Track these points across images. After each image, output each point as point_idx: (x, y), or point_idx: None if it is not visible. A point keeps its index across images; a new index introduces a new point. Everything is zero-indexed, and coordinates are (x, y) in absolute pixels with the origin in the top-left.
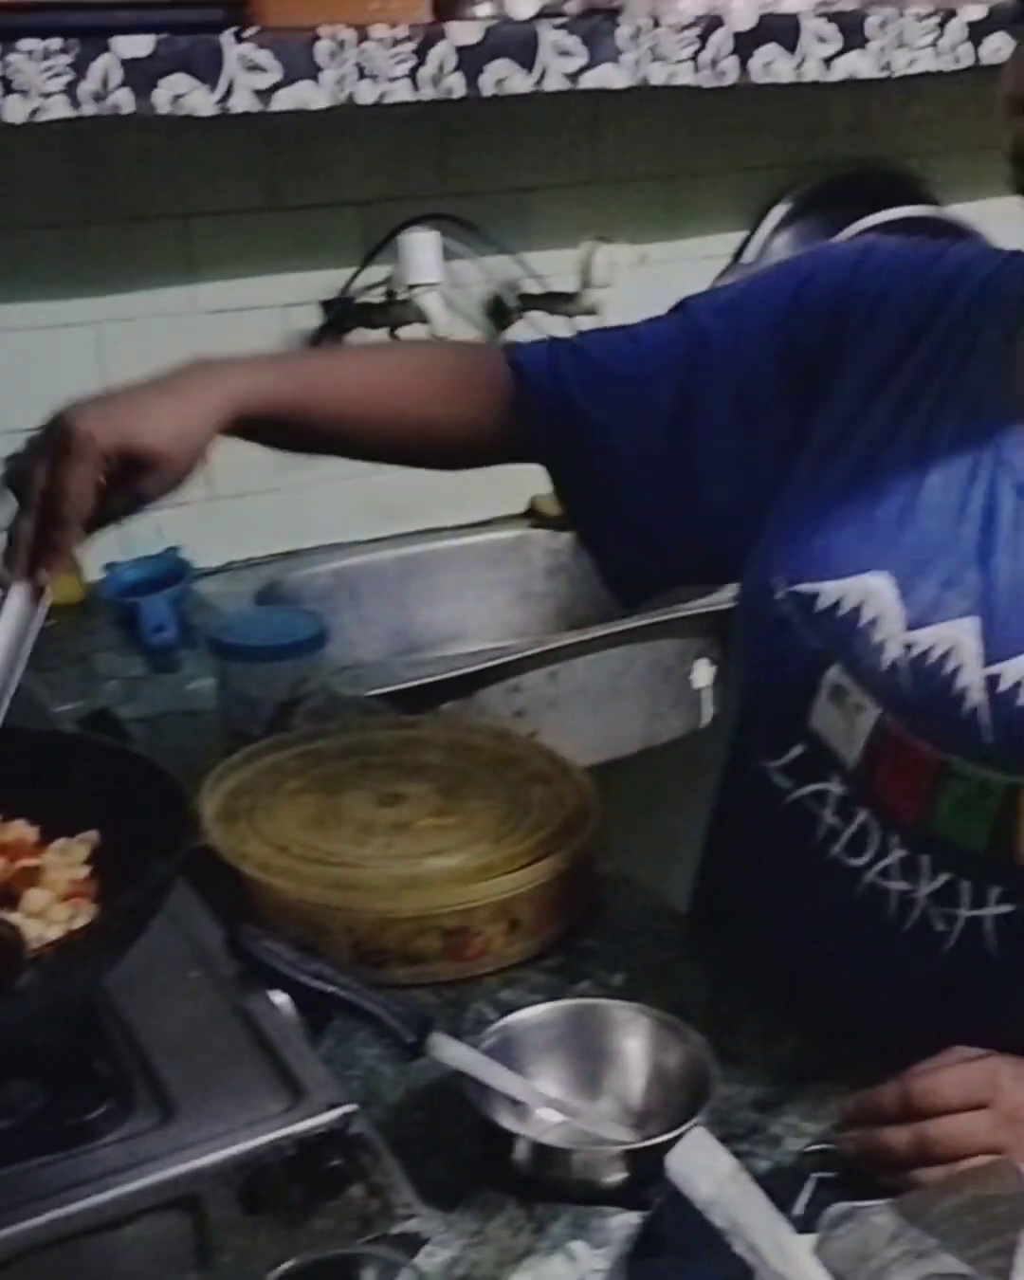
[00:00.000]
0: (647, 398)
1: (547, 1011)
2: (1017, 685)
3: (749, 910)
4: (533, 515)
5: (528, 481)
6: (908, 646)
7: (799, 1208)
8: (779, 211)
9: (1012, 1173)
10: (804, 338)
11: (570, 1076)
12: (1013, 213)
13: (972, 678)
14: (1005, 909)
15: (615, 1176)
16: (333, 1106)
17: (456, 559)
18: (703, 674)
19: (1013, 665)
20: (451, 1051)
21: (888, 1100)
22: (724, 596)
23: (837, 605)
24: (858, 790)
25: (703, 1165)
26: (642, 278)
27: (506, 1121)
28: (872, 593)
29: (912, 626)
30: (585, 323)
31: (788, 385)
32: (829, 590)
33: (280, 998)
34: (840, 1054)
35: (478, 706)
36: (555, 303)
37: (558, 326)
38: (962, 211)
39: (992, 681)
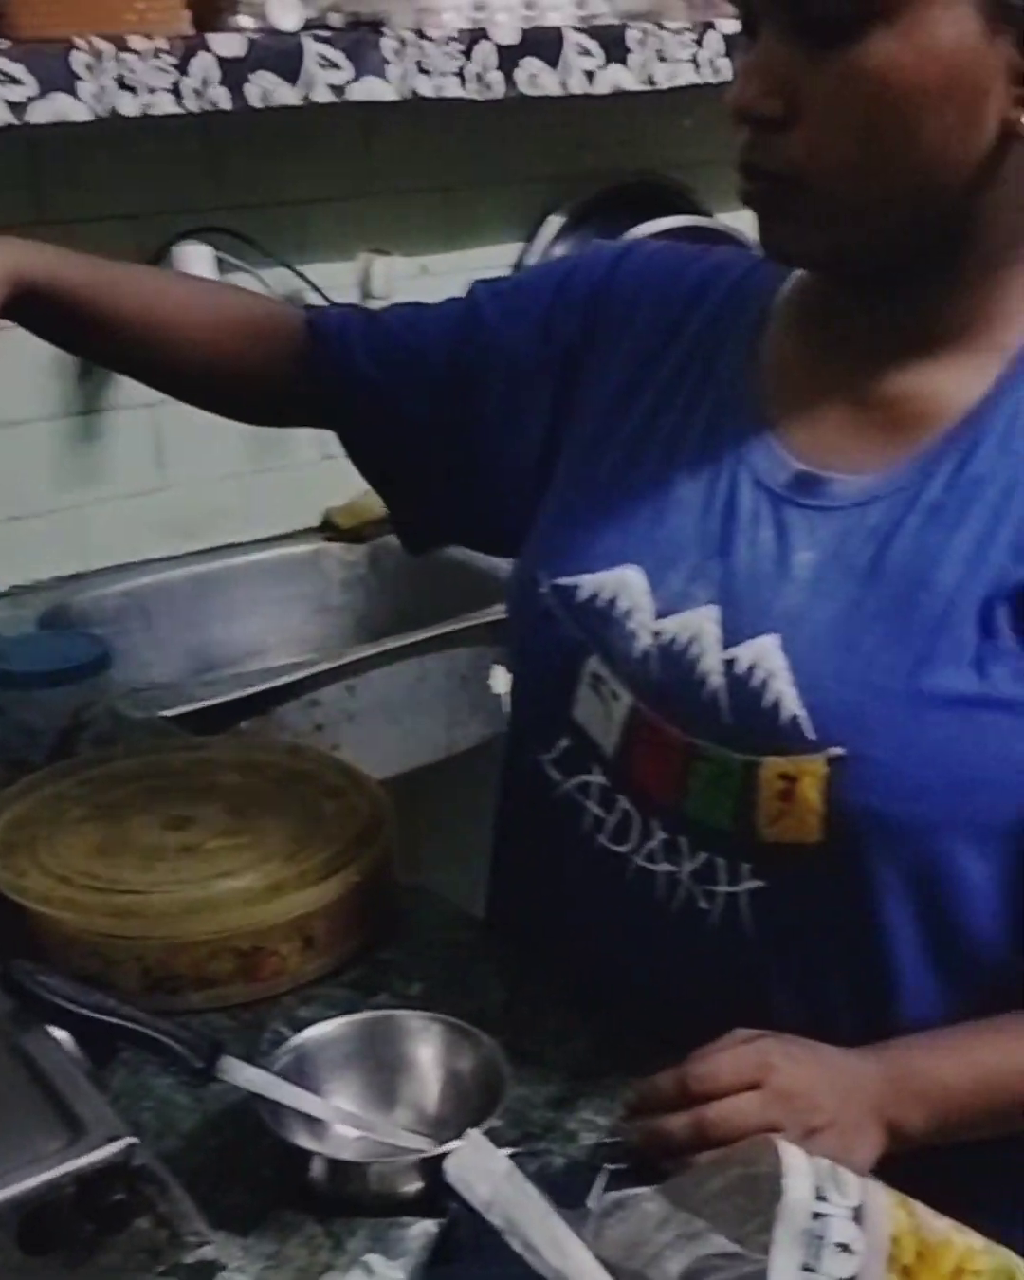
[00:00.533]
0: (423, 363)
1: (340, 1026)
2: (750, 668)
3: (537, 908)
4: (327, 529)
5: (321, 494)
6: (657, 635)
7: (593, 1200)
8: (555, 223)
9: (770, 1149)
10: (563, 328)
11: (366, 1090)
12: None
13: (712, 662)
14: (756, 884)
15: (412, 1186)
16: (112, 1140)
17: (251, 575)
18: (500, 680)
19: (746, 649)
20: (243, 1074)
21: (667, 1087)
22: None
23: (595, 597)
24: (617, 778)
25: (480, 1168)
26: (423, 289)
27: (302, 1140)
28: (626, 585)
29: (660, 615)
30: None
31: (549, 370)
32: (588, 583)
33: (59, 1033)
34: (632, 1046)
35: (276, 723)
36: None
37: None
38: (731, 221)
39: (729, 665)
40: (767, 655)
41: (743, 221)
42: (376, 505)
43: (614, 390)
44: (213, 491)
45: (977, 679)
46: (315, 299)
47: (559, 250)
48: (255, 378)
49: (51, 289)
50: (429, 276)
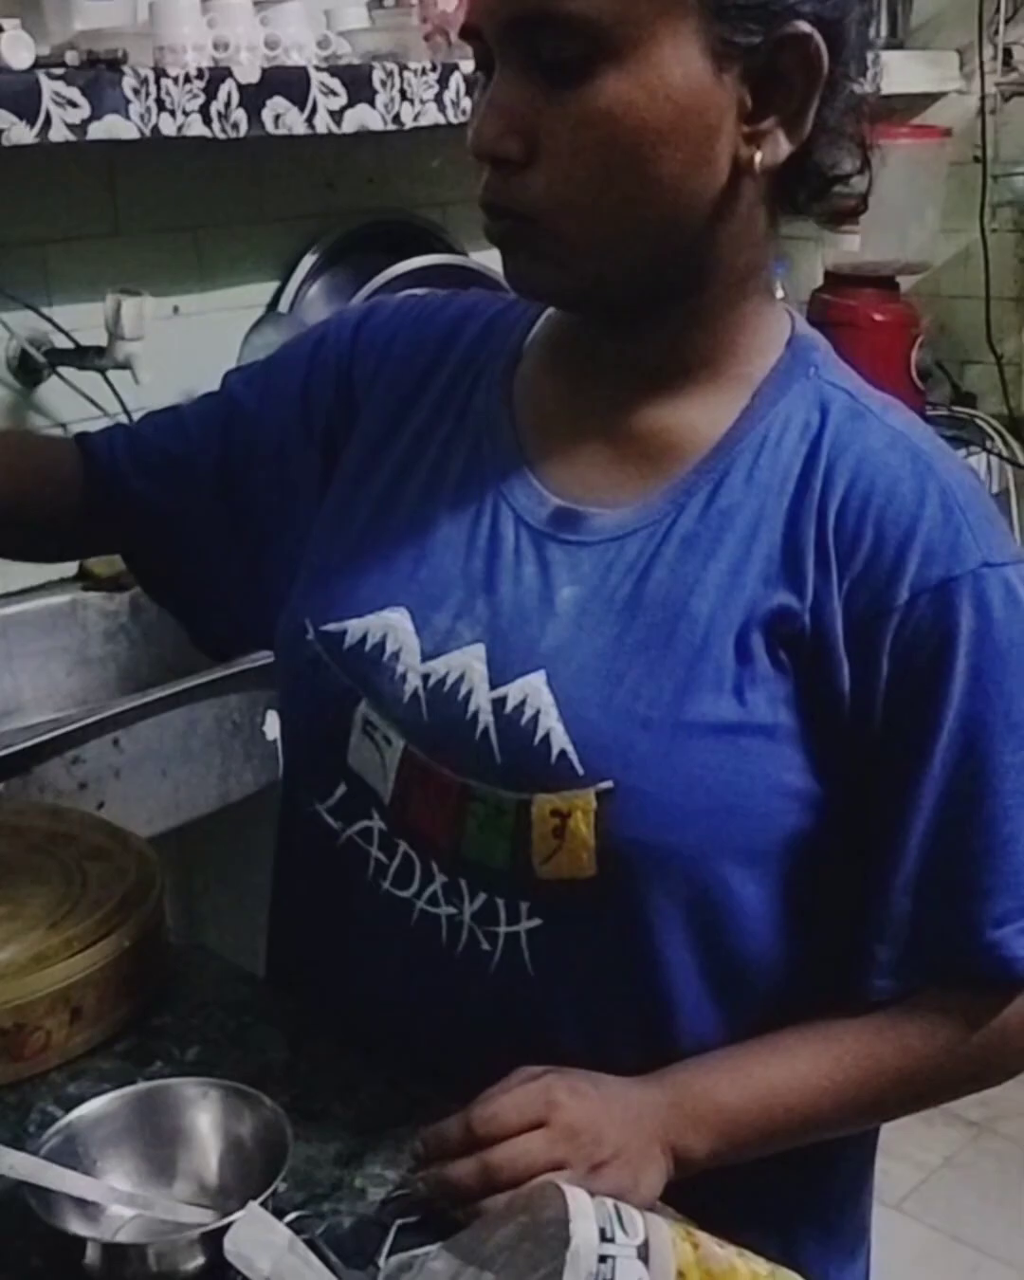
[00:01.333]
0: (191, 471)
1: (112, 1101)
2: (519, 706)
3: (320, 959)
4: (85, 578)
5: None
6: (425, 677)
7: (383, 1258)
8: (308, 262)
9: (555, 1194)
10: (320, 398)
11: (143, 1165)
12: None
13: (481, 702)
14: (535, 923)
15: (194, 1263)
16: None
17: (6, 629)
18: (274, 725)
19: (514, 687)
20: (6, 1161)
21: (453, 1133)
22: None
23: (361, 642)
24: (395, 823)
25: (259, 1242)
26: (175, 330)
27: (74, 1226)
28: (391, 627)
29: (427, 657)
30: (120, 377)
31: (314, 445)
32: (353, 628)
33: None
34: (421, 1094)
35: (38, 783)
36: (86, 358)
37: (92, 382)
38: (485, 259)
39: (498, 704)
40: (534, 692)
41: (497, 260)
42: None
43: (371, 439)
44: None
45: (736, 705)
46: (61, 341)
47: (314, 289)
48: (44, 520)
49: None
50: (182, 318)
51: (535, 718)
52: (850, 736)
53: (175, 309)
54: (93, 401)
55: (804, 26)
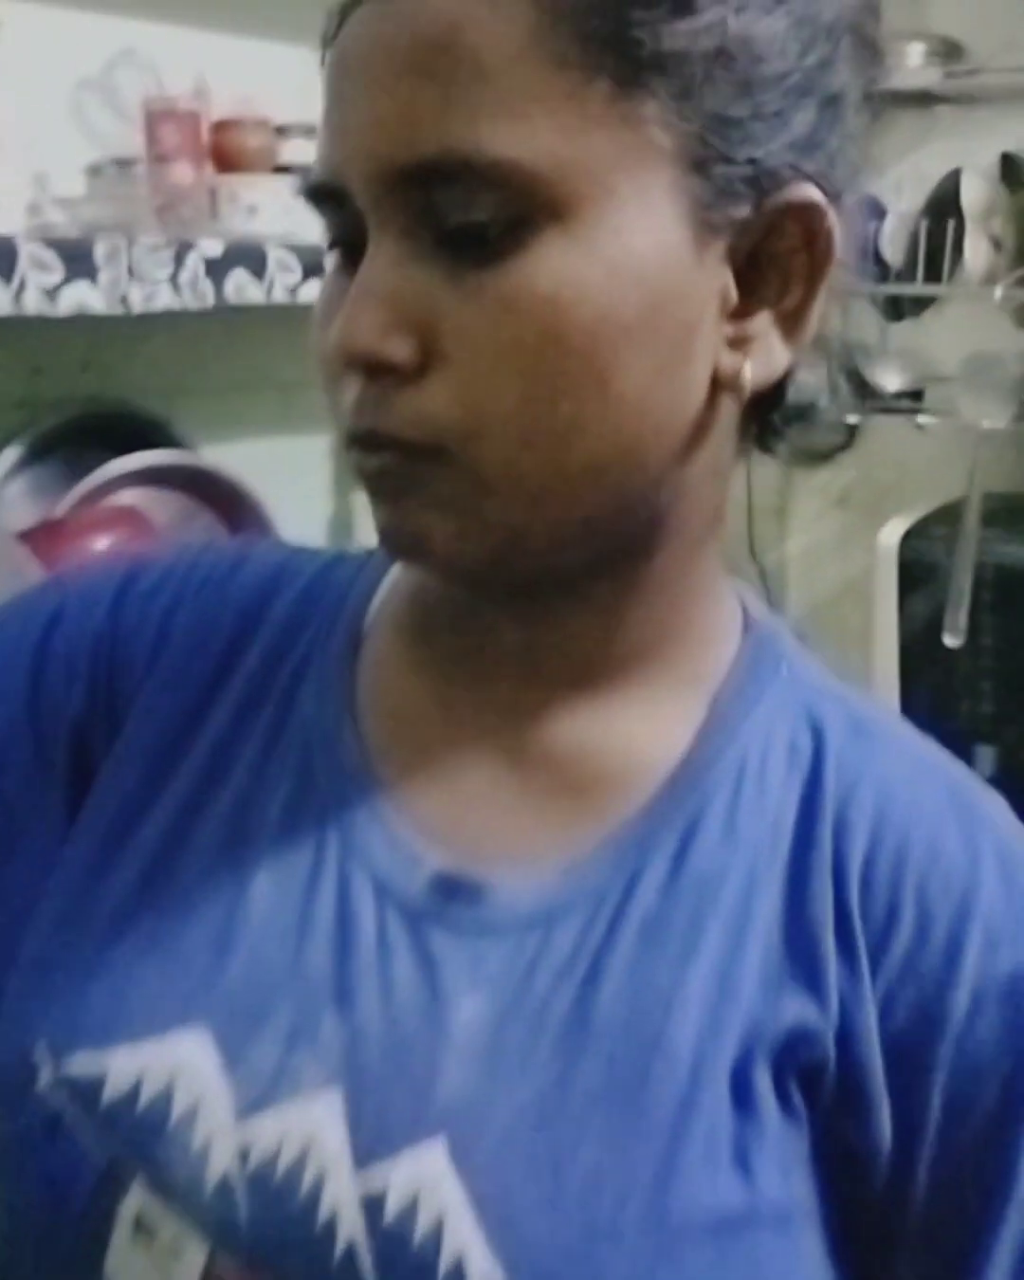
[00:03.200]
0: None
1: None
2: (407, 1208)
3: None
4: None
5: None
6: (242, 1151)
7: None
8: (10, 456)
9: None
10: (59, 702)
11: None
12: (273, 457)
13: (340, 1193)
14: None
15: None
16: None
17: None
18: None
19: (398, 1171)
20: None
21: None
22: None
23: (134, 1092)
24: None
25: None
26: None
27: None
28: (184, 1066)
29: (245, 1112)
30: None
31: (50, 767)
32: (120, 1068)
33: None
34: None
35: None
36: None
37: None
38: (217, 456)
39: (369, 1203)
40: (431, 1182)
41: (230, 456)
42: None
43: (145, 765)
44: None
45: (740, 1184)
46: None
47: (15, 488)
48: None
49: None
50: None
51: (435, 1229)
52: (882, 1212)
53: None
54: None
55: (811, 193)
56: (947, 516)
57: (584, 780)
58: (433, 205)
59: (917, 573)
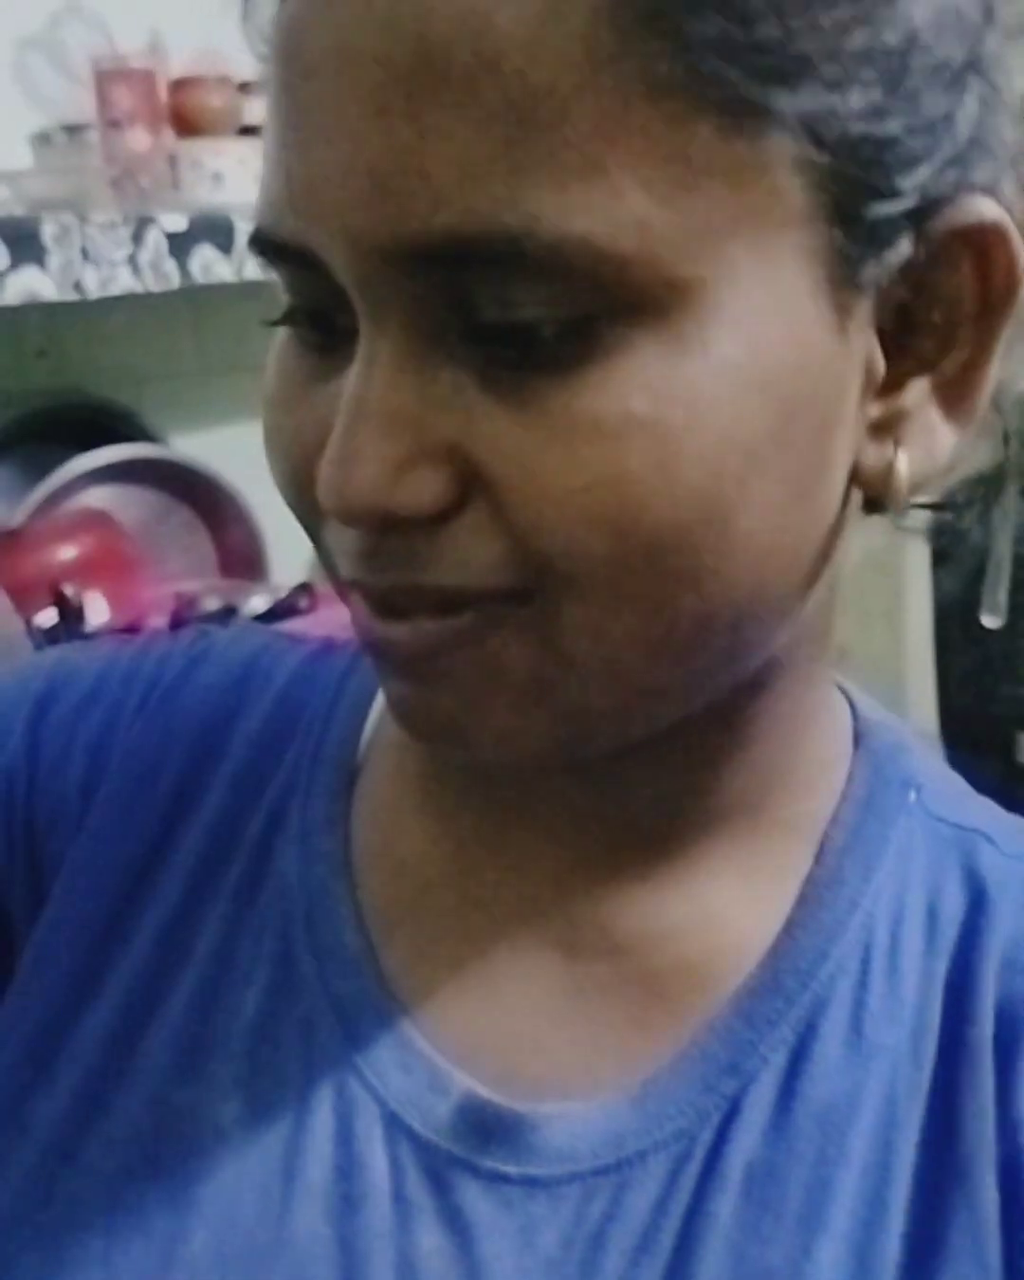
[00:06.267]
0: None
1: None
2: None
3: None
4: None
5: None
6: None
7: None
8: None
9: None
10: None
11: None
12: (250, 445)
13: None
14: None
15: None
16: None
17: None
18: None
19: None
20: None
21: None
22: None
23: None
24: None
25: None
26: None
27: None
28: None
29: None
30: None
31: None
32: None
33: None
34: None
35: None
36: None
37: None
38: (190, 447)
39: None
40: None
41: (201, 447)
42: None
43: (71, 961)
44: None
45: None
46: None
47: None
48: None
49: None
50: None
51: None
52: None
53: None
54: None
55: (986, 209)
56: (980, 484)
57: (657, 972)
58: (457, 293)
59: (948, 546)
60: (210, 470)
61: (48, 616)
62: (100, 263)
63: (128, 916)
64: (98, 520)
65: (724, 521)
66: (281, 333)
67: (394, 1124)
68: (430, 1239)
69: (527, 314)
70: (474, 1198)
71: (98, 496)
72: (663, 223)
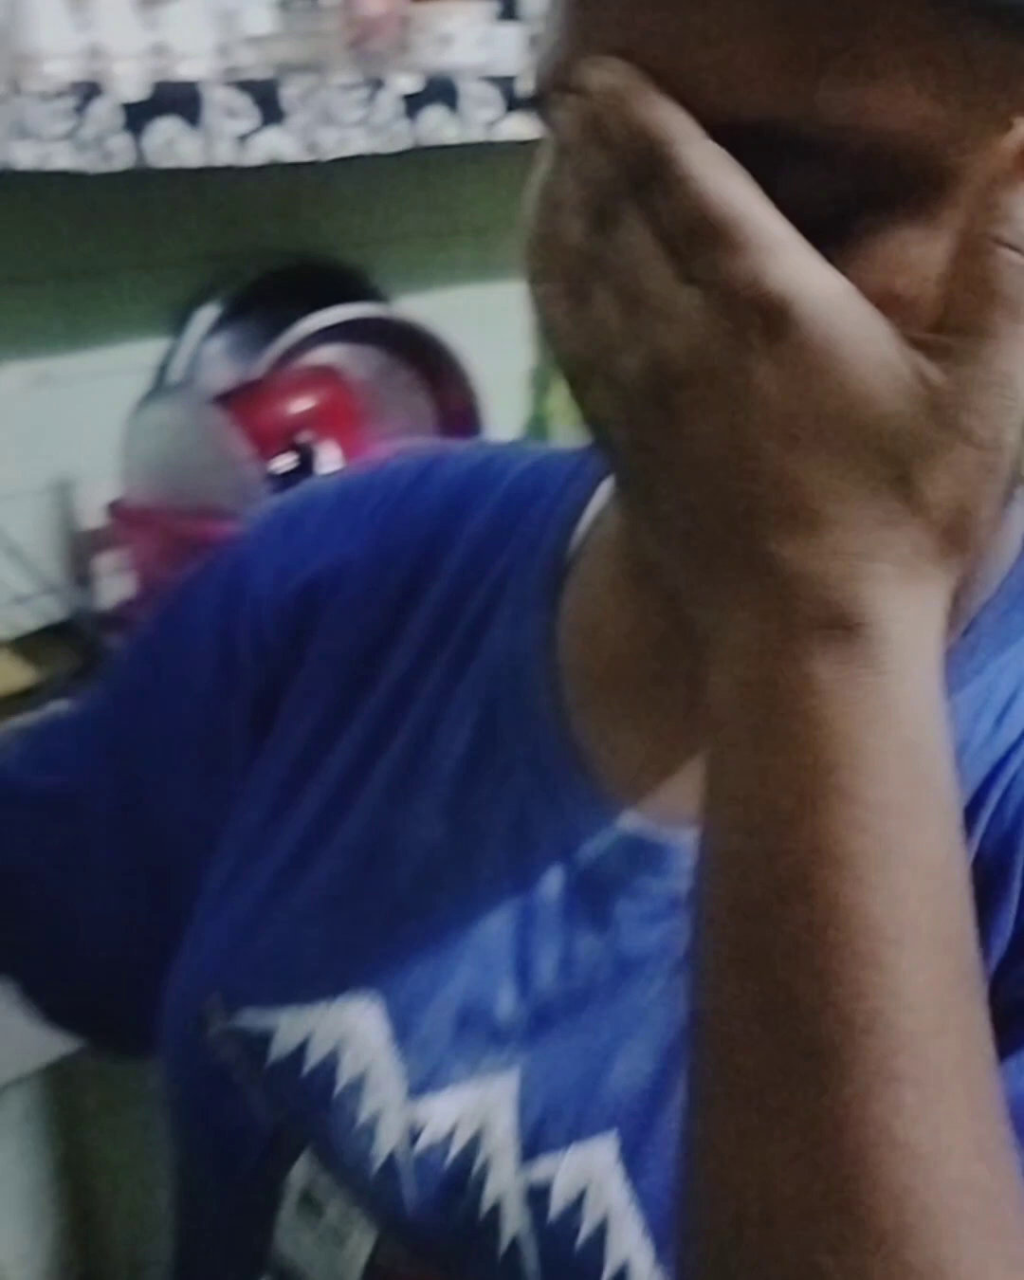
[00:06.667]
0: (77, 816)
1: None
2: (572, 1202)
3: None
4: None
5: None
6: (413, 1128)
7: None
8: (209, 314)
9: None
10: (246, 675)
11: None
12: (470, 306)
13: (503, 1185)
14: None
15: None
16: None
17: None
18: None
19: (561, 1164)
20: None
21: None
22: None
23: (300, 1052)
24: None
25: None
26: (44, 402)
27: None
28: (352, 1034)
29: (416, 1091)
30: None
31: (233, 719)
32: (288, 1028)
33: None
34: None
35: None
36: None
37: None
38: (412, 307)
39: (532, 1195)
40: (599, 1177)
41: (426, 308)
42: (5, 675)
43: (318, 715)
44: None
45: None
46: None
47: (215, 347)
48: None
49: None
50: (52, 386)
51: (599, 1232)
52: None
53: (42, 376)
54: None
55: None
56: None
57: None
58: (765, 173)
59: None
60: (434, 331)
61: (283, 463)
62: (336, 124)
63: (364, 684)
64: (329, 376)
65: None
66: (545, 172)
67: (567, 851)
68: (586, 941)
69: (807, 196)
70: (625, 913)
71: (329, 354)
72: (937, 120)
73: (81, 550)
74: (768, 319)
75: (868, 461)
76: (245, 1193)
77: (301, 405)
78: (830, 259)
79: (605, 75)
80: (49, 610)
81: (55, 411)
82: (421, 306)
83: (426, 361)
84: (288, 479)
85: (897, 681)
